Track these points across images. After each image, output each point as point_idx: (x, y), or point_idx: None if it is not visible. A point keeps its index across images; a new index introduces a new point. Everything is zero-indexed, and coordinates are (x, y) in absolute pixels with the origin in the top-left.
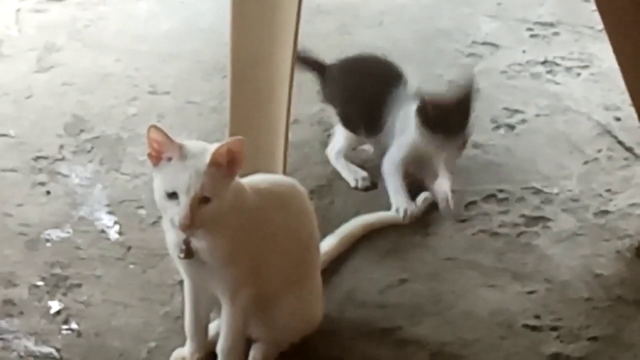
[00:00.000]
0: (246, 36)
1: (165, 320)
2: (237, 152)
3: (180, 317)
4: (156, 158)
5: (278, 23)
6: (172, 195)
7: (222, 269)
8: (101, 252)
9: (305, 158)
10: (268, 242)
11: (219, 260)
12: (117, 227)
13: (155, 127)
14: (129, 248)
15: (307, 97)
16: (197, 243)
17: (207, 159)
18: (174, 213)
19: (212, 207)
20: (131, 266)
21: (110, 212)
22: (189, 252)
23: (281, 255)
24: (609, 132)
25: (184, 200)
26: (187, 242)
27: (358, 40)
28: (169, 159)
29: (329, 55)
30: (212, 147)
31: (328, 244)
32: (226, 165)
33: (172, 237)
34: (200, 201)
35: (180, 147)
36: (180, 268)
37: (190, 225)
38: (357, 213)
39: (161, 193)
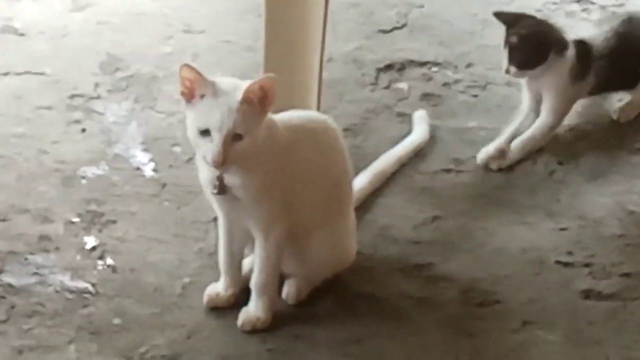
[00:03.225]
0: None
1: (200, 256)
2: (269, 90)
3: (214, 253)
4: (189, 95)
5: None
6: (205, 133)
7: (255, 204)
8: (136, 189)
9: (339, 96)
10: (300, 177)
11: (252, 196)
12: (152, 165)
13: (187, 65)
14: (164, 185)
15: (342, 35)
16: (230, 179)
17: (239, 96)
18: (206, 150)
19: (245, 144)
20: (166, 203)
21: (145, 150)
22: (222, 188)
23: (314, 191)
24: None
25: (217, 137)
26: (220, 178)
27: None
28: (202, 96)
29: None
30: (244, 85)
31: (361, 181)
32: (258, 103)
33: (205, 174)
34: (233, 138)
35: (213, 85)
36: (214, 204)
37: (222, 162)
38: None
39: (194, 130)
